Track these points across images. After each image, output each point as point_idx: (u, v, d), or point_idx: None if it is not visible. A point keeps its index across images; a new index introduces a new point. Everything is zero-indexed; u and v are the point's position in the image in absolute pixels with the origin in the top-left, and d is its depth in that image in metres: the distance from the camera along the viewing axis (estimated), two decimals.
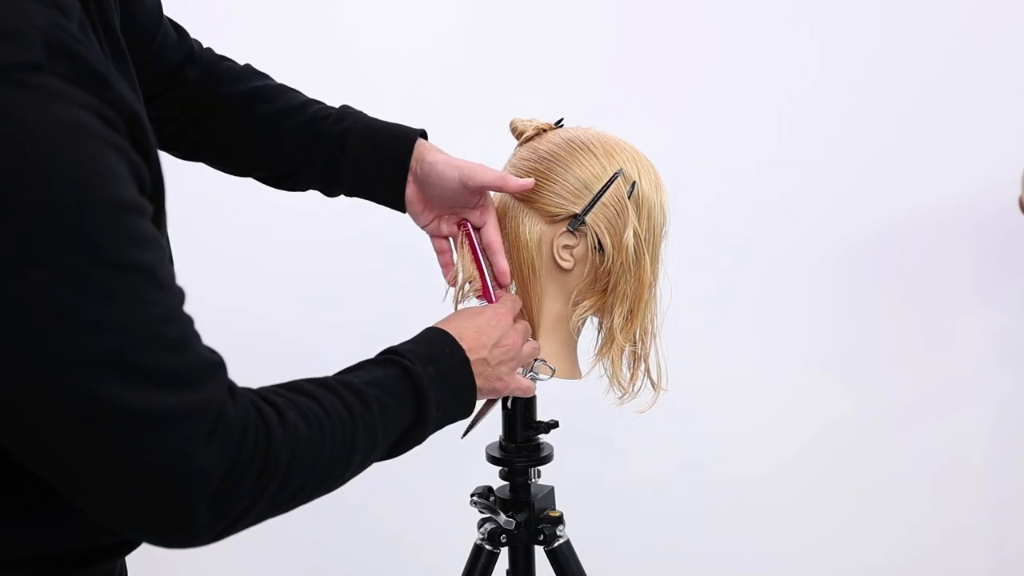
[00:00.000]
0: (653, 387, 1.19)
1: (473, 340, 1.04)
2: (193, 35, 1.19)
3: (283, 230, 2.07)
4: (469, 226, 1.17)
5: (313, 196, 1.21)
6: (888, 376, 2.24)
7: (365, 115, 1.18)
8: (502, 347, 1.07)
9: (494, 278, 1.16)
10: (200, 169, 1.24)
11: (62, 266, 0.63)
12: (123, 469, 0.69)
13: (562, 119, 1.20)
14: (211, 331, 0.78)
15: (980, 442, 2.25)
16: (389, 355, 0.97)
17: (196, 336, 0.73)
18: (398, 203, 1.17)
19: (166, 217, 0.79)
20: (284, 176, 1.20)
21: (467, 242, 1.17)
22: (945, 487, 2.26)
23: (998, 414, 2.25)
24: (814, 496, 2.25)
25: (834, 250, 2.20)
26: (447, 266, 1.20)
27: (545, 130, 1.18)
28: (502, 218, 1.18)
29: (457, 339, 1.02)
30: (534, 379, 1.17)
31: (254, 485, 0.74)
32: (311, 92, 1.22)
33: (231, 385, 0.75)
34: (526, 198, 1.15)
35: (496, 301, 1.15)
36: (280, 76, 1.22)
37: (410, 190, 1.16)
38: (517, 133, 1.20)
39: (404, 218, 1.20)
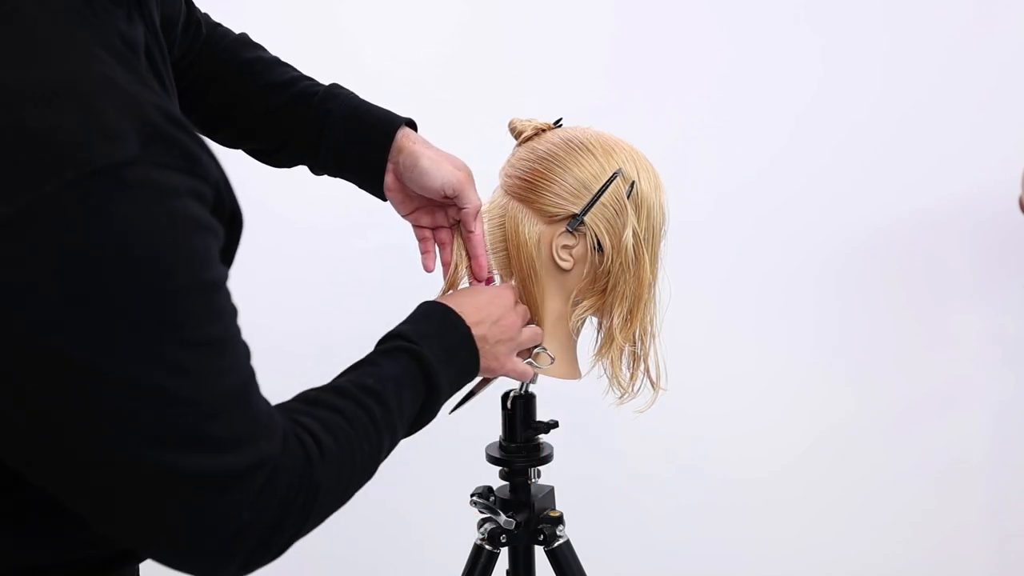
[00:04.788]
0: (653, 387, 1.19)
1: (474, 314, 1.05)
2: None
3: (287, 241, 2.07)
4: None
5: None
6: (888, 376, 2.23)
7: (354, 97, 1.17)
8: (501, 326, 1.07)
9: (471, 272, 1.17)
10: None
11: (150, 350, 0.67)
12: (179, 525, 0.72)
13: (561, 119, 1.20)
14: None
15: (981, 442, 2.25)
16: (395, 340, 0.98)
17: (257, 390, 0.76)
18: (377, 191, 1.17)
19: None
20: (269, 152, 1.20)
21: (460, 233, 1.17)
22: (946, 487, 2.25)
23: (999, 414, 2.25)
24: (815, 496, 2.25)
25: (835, 250, 2.20)
26: (427, 253, 1.20)
27: (544, 130, 1.18)
28: (501, 217, 1.18)
29: (458, 312, 1.04)
30: (531, 366, 1.17)
31: (297, 518, 0.79)
32: None
33: (284, 430, 0.78)
34: (525, 198, 1.15)
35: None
36: None
37: (390, 179, 1.15)
38: (516, 133, 1.20)
39: (407, 227, 1.20)
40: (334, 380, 0.92)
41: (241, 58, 1.16)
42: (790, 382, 2.23)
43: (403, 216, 1.19)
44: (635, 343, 1.17)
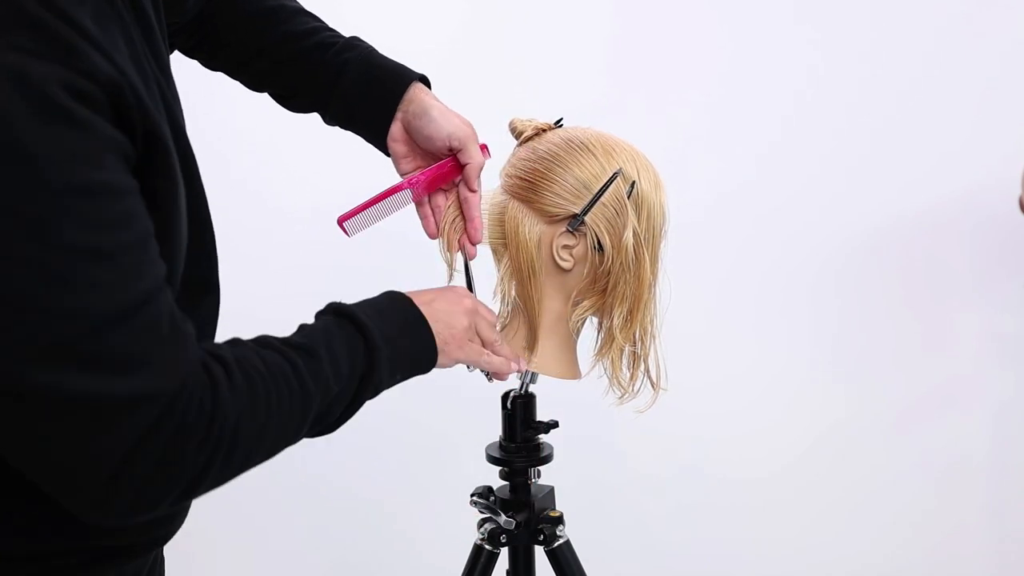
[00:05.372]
0: (653, 387, 1.19)
1: (418, 295, 1.03)
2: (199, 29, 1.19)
3: (285, 228, 2.07)
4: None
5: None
6: (888, 377, 2.23)
7: (371, 50, 1.18)
8: (446, 304, 1.05)
9: (467, 235, 1.17)
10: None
11: (14, 253, 0.63)
12: (57, 453, 0.68)
13: (561, 119, 1.20)
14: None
15: (981, 442, 2.25)
16: (323, 310, 0.96)
17: (160, 314, 0.71)
18: (381, 141, 1.17)
19: (185, 177, 0.79)
20: (285, 97, 1.21)
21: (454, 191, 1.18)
22: (946, 487, 2.25)
23: (999, 414, 2.24)
24: (815, 497, 2.25)
25: (835, 250, 2.20)
26: (426, 218, 1.19)
27: (544, 130, 1.18)
28: (501, 217, 1.18)
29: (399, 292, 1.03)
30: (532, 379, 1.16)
31: (196, 458, 0.73)
32: None
33: (192, 360, 0.73)
34: (526, 198, 1.15)
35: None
36: None
37: (395, 128, 1.16)
38: (516, 133, 1.20)
39: (404, 217, 1.20)
40: (261, 336, 0.87)
41: (263, 6, 1.17)
42: (790, 382, 2.23)
43: (402, 174, 1.19)
44: (635, 343, 1.17)
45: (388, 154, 1.18)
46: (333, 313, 0.93)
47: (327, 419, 0.90)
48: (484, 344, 1.10)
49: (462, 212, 1.17)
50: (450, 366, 1.06)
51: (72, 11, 0.67)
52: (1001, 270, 2.19)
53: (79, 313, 0.65)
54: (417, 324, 1.00)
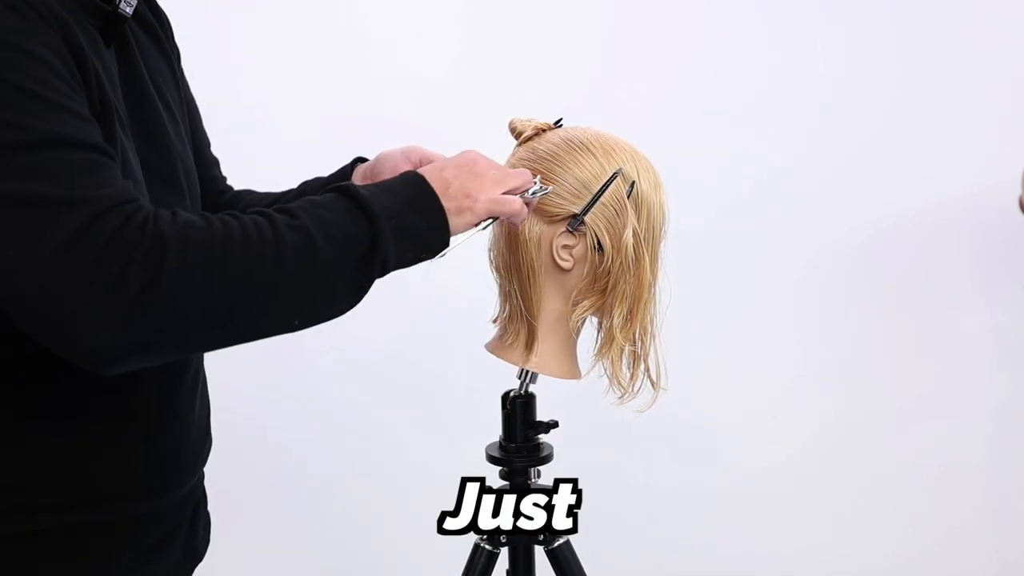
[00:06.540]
0: (653, 387, 1.19)
1: (429, 169, 1.01)
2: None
3: None
4: None
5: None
6: (887, 376, 2.23)
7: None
8: (463, 161, 1.02)
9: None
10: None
11: None
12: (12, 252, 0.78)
13: (561, 119, 1.20)
14: None
15: (980, 442, 2.25)
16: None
17: (72, 153, 0.81)
18: None
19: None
20: None
21: None
22: (945, 487, 2.25)
23: (998, 414, 2.25)
24: (814, 497, 2.25)
25: (833, 250, 2.20)
26: None
27: (544, 130, 1.18)
28: None
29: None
30: (536, 194, 1.09)
31: (143, 266, 0.78)
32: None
33: (117, 184, 0.83)
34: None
35: None
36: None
37: None
38: (516, 133, 1.20)
39: None
40: None
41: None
42: (790, 382, 2.23)
43: None
44: (635, 343, 1.17)
45: None
46: (330, 191, 0.94)
47: (329, 278, 0.89)
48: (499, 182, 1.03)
49: None
50: (466, 229, 1.01)
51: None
52: (1001, 270, 2.19)
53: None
54: (423, 196, 0.97)
